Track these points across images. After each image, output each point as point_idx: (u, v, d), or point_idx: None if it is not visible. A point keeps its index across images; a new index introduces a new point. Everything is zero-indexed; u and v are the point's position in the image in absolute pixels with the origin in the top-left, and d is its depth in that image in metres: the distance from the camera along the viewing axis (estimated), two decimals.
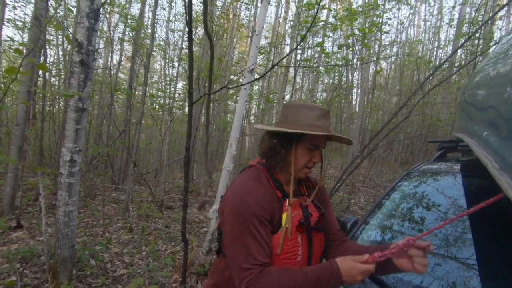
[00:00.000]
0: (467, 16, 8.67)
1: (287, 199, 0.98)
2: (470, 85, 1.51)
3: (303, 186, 1.12)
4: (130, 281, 2.86)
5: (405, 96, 9.31)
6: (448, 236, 1.36)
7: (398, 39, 11.70)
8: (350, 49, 5.29)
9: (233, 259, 0.91)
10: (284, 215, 0.95)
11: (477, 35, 4.72)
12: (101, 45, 10.22)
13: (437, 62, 8.95)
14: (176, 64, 7.96)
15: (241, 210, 0.91)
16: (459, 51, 7.28)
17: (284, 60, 8.18)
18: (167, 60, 8.34)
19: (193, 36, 2.13)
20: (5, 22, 5.07)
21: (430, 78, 5.92)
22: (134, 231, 4.44)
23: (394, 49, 11.41)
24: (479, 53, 5.03)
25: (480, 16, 4.96)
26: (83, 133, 2.51)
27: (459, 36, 6.88)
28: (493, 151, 0.73)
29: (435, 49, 11.39)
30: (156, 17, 5.84)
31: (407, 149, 10.62)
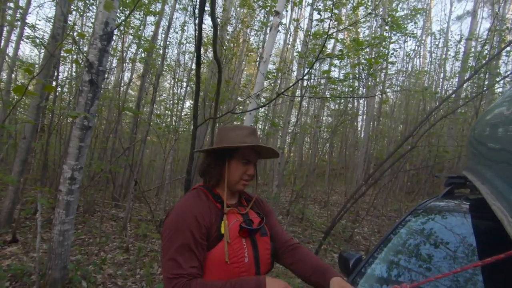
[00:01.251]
0: (473, 49, 8.81)
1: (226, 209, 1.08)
2: (481, 123, 1.48)
3: (243, 199, 1.23)
4: None
5: (411, 124, 9.29)
6: (457, 279, 1.27)
7: (404, 69, 11.89)
8: (356, 78, 5.37)
9: (163, 270, 0.95)
10: (222, 223, 1.03)
11: (483, 69, 4.75)
12: (114, 63, 10.56)
13: (443, 93, 9.00)
14: (184, 84, 8.13)
15: (174, 223, 0.99)
16: (465, 84, 7.33)
17: (292, 83, 8.30)
18: (176, 80, 8.54)
19: (202, 59, 2.17)
20: (24, 39, 5.29)
21: (435, 111, 5.93)
22: (130, 251, 4.32)
23: (400, 79, 11.56)
24: (486, 88, 5.05)
25: (486, 50, 5.03)
26: (86, 151, 2.50)
27: (465, 70, 6.96)
28: (508, 205, 0.68)
29: (441, 80, 11.50)
30: (168, 39, 6.04)
31: (413, 179, 10.44)
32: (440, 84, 11.41)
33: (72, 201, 2.46)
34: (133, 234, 5.10)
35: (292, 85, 2.04)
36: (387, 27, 5.79)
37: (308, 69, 2.21)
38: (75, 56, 6.85)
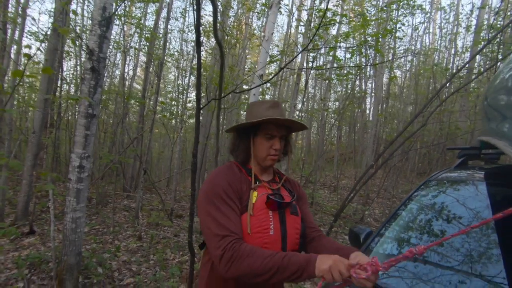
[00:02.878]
0: (486, 22, 8.42)
1: (257, 183, 1.09)
2: (496, 80, 1.40)
3: (277, 177, 1.23)
4: None
5: (420, 105, 9.06)
6: (472, 251, 1.23)
7: (413, 48, 11.51)
8: (363, 54, 5.19)
9: (207, 230, 0.96)
10: (251, 194, 1.04)
11: (496, 40, 4.53)
12: (118, 57, 10.55)
13: (454, 70, 8.69)
14: (188, 73, 8.09)
15: (209, 188, 1.02)
16: (478, 57, 7.04)
17: (295, 65, 8.16)
18: (180, 70, 8.49)
19: (204, 46, 2.12)
20: (25, 34, 5.30)
21: (447, 85, 5.73)
22: (143, 239, 4.41)
23: (409, 58, 11.20)
24: (499, 59, 4.83)
25: (499, 21, 4.78)
26: (92, 139, 2.51)
27: (477, 42, 6.67)
28: None
29: (452, 56, 11.10)
30: (169, 27, 5.96)
31: (424, 159, 10.25)
32: (451, 60, 11.01)
33: (82, 189, 2.49)
34: (145, 223, 5.20)
35: (298, 53, 1.98)
36: None
37: (314, 35, 2.13)
38: (78, 49, 6.86)
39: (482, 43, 5.23)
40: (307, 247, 1.16)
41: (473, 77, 5.91)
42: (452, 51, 10.98)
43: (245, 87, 7.65)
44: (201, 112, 2.33)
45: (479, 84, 7.67)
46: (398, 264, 0.78)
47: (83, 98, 2.19)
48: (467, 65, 5.82)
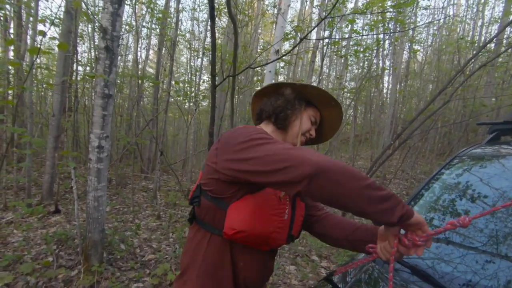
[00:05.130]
0: None
1: None
2: None
3: None
4: (157, 266, 2.90)
5: (442, 82, 8.63)
6: (498, 231, 1.17)
7: (436, 21, 10.83)
8: (382, 28, 4.91)
9: (277, 155, 0.73)
10: None
11: None
12: (130, 40, 10.51)
13: (481, 43, 8.15)
14: (200, 54, 7.98)
15: (252, 130, 0.84)
16: (507, 28, 6.55)
17: (312, 42, 7.88)
18: (192, 52, 8.39)
19: (216, 22, 2.04)
20: (39, 18, 5.31)
21: (473, 60, 5.38)
22: (162, 218, 4.54)
23: (431, 31, 10.57)
24: None
25: None
26: (109, 119, 2.53)
27: (508, 12, 6.18)
28: None
29: (479, 28, 10.36)
30: (180, 5, 5.83)
31: (444, 139, 9.90)
32: (478, 32, 10.30)
33: (102, 168, 2.54)
34: (163, 203, 5.34)
35: (316, 25, 1.86)
36: None
37: (333, 6, 1.99)
38: (91, 31, 6.85)
39: None
40: (313, 228, 1.08)
41: (503, 49, 5.52)
42: (479, 23, 10.24)
43: (258, 58, 7.48)
44: (215, 91, 2.29)
45: (508, 57, 7.18)
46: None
47: (99, 76, 2.18)
48: (495, 38, 5.43)
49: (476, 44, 7.11)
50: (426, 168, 8.48)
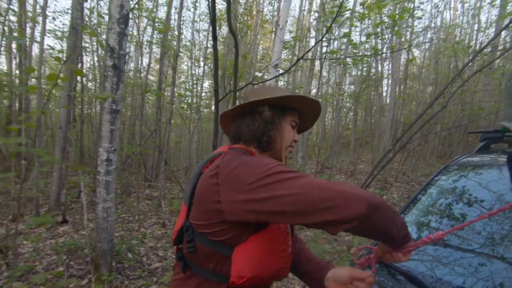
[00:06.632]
0: None
1: None
2: None
3: None
4: (165, 274, 2.99)
5: (441, 85, 8.74)
6: (493, 234, 1.25)
7: (433, 25, 10.97)
8: (379, 37, 5.03)
9: (321, 193, 0.65)
10: None
11: None
12: (132, 49, 10.69)
13: (478, 47, 8.26)
14: (202, 63, 8.13)
15: (266, 163, 0.72)
16: (503, 33, 6.66)
17: (310, 54, 8.02)
18: (193, 60, 8.54)
19: (217, 34, 2.15)
20: (46, 33, 5.49)
21: (470, 64, 5.48)
22: (167, 226, 4.63)
23: (428, 36, 10.71)
24: None
25: None
26: (117, 133, 2.64)
27: (503, 16, 6.28)
28: None
29: (475, 32, 10.50)
30: (182, 18, 5.99)
31: (445, 141, 9.97)
32: (474, 37, 10.43)
33: (111, 181, 2.64)
34: (168, 211, 5.43)
35: (312, 47, 1.96)
36: None
37: (327, 30, 2.11)
38: (95, 45, 7.02)
39: (509, 17, 4.93)
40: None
41: (498, 54, 5.62)
42: (475, 27, 10.39)
43: (257, 74, 7.63)
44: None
45: (504, 60, 7.27)
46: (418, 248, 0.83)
47: (110, 96, 2.30)
48: (491, 42, 5.54)
49: (472, 48, 7.23)
50: (427, 170, 8.54)
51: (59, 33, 6.16)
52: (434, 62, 9.87)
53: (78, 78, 5.89)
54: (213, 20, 2.02)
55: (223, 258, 0.76)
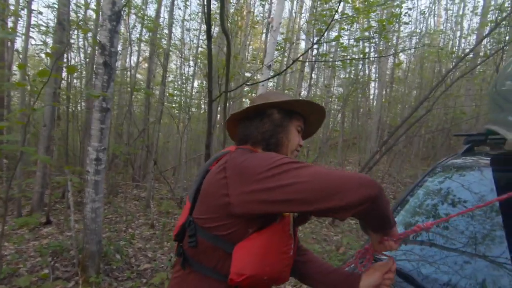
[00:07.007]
0: (492, 2, 8.22)
1: None
2: (503, 76, 1.44)
3: None
4: (154, 275, 2.95)
5: (425, 89, 9.01)
6: (476, 234, 1.31)
7: (418, 30, 11.30)
8: (368, 41, 5.15)
9: (328, 180, 0.66)
10: None
11: (504, 22, 4.48)
12: (119, 47, 10.48)
13: (460, 53, 8.58)
14: (192, 63, 8.06)
15: (274, 156, 0.74)
16: (484, 40, 6.94)
17: (301, 53, 8.11)
18: (183, 59, 8.46)
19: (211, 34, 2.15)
20: (31, 28, 5.31)
21: (453, 70, 5.69)
22: (155, 227, 4.57)
23: (414, 41, 11.03)
24: (507, 42, 4.78)
25: (507, 2, 4.71)
26: (107, 132, 2.59)
27: (484, 24, 6.56)
28: None
29: (458, 39, 10.90)
30: (173, 17, 5.93)
31: (429, 144, 10.28)
32: (457, 43, 10.83)
33: (99, 180, 2.59)
34: (157, 211, 5.35)
35: (305, 51, 1.99)
36: None
37: (320, 37, 2.15)
38: (81, 42, 6.85)
39: (489, 25, 5.16)
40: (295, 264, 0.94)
41: (480, 61, 5.87)
42: (458, 34, 10.78)
43: (247, 74, 7.64)
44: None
45: (485, 66, 7.59)
46: (406, 246, 0.87)
47: (102, 95, 2.25)
48: (473, 49, 5.78)
49: (455, 54, 7.51)
50: (412, 172, 8.78)
51: (43, 28, 5.96)
52: (419, 67, 10.17)
53: (64, 74, 5.73)
54: (208, 19, 2.02)
55: (224, 256, 0.76)
